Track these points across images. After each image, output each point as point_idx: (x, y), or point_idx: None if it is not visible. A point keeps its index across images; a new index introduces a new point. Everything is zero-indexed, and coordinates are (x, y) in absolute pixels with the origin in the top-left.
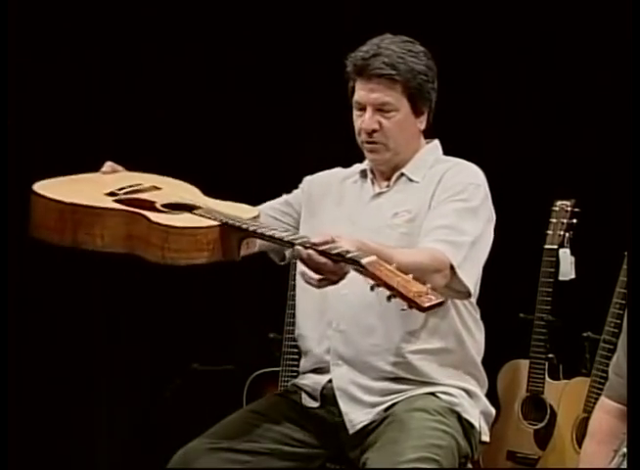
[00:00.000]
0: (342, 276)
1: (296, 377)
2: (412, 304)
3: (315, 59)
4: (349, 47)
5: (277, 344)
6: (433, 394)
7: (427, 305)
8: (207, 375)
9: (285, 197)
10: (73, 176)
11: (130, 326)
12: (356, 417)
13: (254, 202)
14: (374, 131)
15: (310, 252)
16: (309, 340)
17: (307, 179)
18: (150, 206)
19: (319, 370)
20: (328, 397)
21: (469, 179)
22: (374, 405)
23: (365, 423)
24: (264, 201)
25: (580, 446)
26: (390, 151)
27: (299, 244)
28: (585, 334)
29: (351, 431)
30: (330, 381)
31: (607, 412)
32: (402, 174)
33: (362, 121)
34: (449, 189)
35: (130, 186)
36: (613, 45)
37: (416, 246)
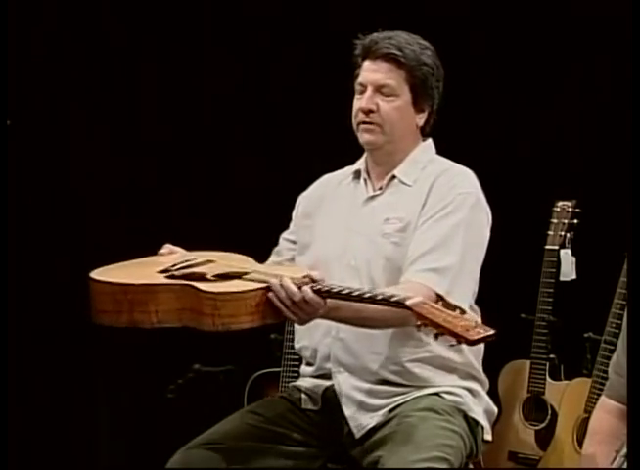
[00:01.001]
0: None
1: (297, 378)
2: (460, 338)
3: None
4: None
5: (278, 344)
6: (437, 394)
7: (475, 337)
8: (209, 376)
9: (284, 235)
10: (131, 261)
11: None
12: (362, 421)
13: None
14: (370, 111)
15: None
16: (310, 350)
17: (303, 196)
18: (200, 277)
19: (320, 376)
20: (330, 399)
21: (457, 189)
22: (378, 408)
23: (371, 426)
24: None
25: (581, 447)
26: (385, 135)
27: (369, 295)
28: (586, 334)
29: (357, 435)
30: (332, 384)
31: (607, 412)
32: (394, 177)
33: (360, 102)
34: (438, 202)
35: (184, 262)
36: (613, 45)
37: (404, 261)
